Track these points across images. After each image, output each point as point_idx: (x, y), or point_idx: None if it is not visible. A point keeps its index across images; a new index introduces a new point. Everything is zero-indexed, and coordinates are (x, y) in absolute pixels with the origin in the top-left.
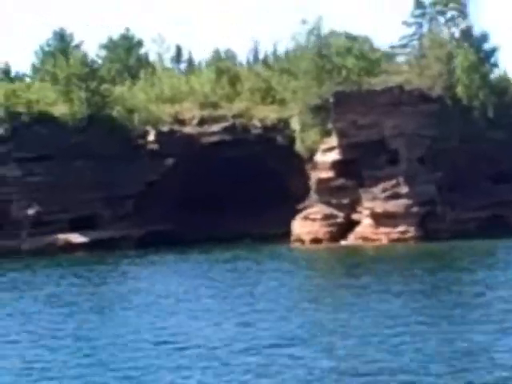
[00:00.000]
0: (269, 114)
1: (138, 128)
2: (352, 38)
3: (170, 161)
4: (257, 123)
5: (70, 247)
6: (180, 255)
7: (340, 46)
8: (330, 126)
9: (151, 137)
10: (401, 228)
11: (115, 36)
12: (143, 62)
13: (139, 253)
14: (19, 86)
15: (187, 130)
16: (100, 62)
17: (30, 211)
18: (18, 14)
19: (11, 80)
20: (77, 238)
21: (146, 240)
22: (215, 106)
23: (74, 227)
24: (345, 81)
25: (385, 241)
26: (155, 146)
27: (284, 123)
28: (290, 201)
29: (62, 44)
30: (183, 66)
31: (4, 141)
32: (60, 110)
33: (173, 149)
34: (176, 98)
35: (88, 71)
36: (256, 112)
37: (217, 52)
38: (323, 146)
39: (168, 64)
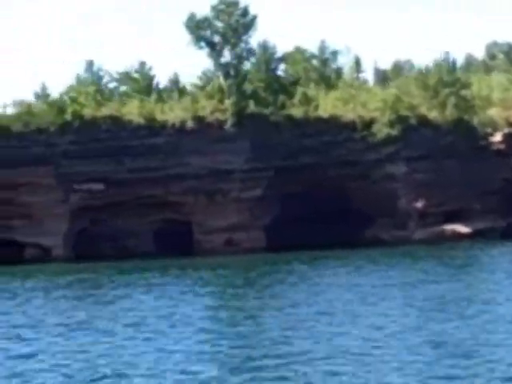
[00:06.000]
0: None
1: (479, 130)
2: None
3: None
4: None
5: (454, 237)
6: None
7: None
8: None
9: (497, 138)
10: None
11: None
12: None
13: None
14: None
15: None
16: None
17: (418, 204)
18: None
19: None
20: (462, 228)
21: (507, 232)
22: None
23: (448, 219)
24: None
25: None
26: (502, 146)
27: None
28: None
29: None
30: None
31: (394, 141)
32: (431, 113)
33: None
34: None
35: (454, 78)
36: None
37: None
38: None
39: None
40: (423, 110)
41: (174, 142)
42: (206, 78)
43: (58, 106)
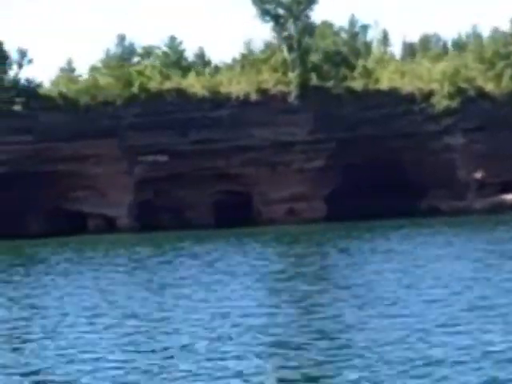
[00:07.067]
0: None
1: None
2: None
3: None
4: None
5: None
6: None
7: None
8: None
9: None
10: None
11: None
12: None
13: None
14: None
15: None
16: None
17: (477, 175)
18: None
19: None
20: None
21: None
22: None
23: (504, 189)
24: None
25: None
26: None
27: None
28: None
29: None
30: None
31: (452, 113)
32: (487, 86)
33: None
34: None
35: (509, 51)
36: None
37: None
38: None
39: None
40: (480, 82)
41: (237, 114)
42: (269, 51)
43: (125, 79)
